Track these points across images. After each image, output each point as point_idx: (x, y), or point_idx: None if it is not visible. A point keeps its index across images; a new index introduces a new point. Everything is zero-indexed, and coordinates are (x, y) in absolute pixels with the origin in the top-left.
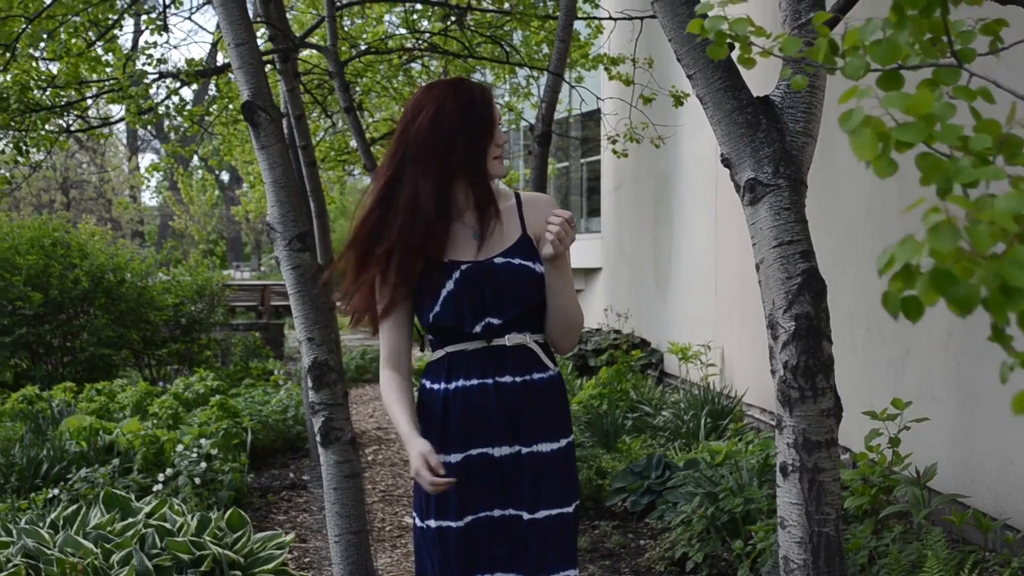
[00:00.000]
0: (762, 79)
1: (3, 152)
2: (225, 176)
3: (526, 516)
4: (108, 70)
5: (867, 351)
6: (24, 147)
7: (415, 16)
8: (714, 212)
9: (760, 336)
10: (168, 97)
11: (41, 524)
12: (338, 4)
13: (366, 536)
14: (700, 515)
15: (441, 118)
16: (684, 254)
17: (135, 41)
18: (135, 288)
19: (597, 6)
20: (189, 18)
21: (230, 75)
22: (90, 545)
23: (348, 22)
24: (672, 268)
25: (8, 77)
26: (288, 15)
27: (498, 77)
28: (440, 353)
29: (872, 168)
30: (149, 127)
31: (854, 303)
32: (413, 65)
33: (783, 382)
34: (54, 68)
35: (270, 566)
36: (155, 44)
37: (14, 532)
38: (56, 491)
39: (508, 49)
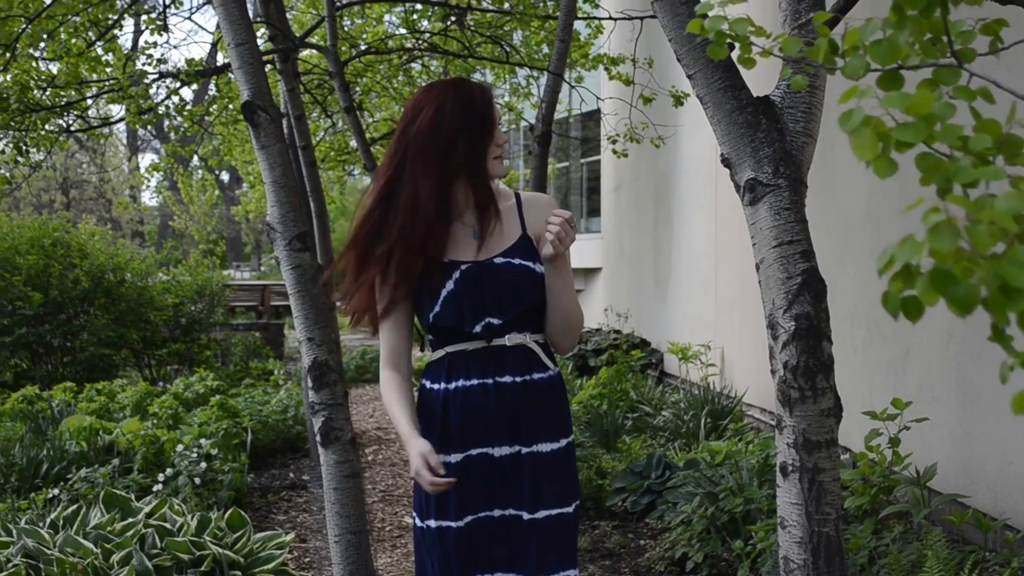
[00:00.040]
0: (762, 79)
1: (3, 152)
2: (225, 176)
3: (526, 516)
4: (108, 70)
5: (867, 351)
6: (24, 147)
7: (415, 16)
8: (714, 212)
9: (760, 336)
10: (168, 97)
11: (41, 524)
12: (338, 4)
13: (366, 536)
14: (700, 515)
15: (441, 118)
16: (684, 254)
17: (135, 41)
18: (135, 288)
19: (597, 6)
20: (189, 18)
21: (230, 75)
22: (90, 545)
23: (348, 22)
24: (672, 268)
25: (8, 77)
26: (288, 15)
27: (498, 77)
28: (440, 353)
29: (872, 168)
30: (149, 127)
31: (854, 303)
32: (413, 65)
33: (783, 382)
34: (54, 68)
35: (270, 566)
36: (155, 44)
37: (14, 532)
38: (56, 491)
39: (508, 49)
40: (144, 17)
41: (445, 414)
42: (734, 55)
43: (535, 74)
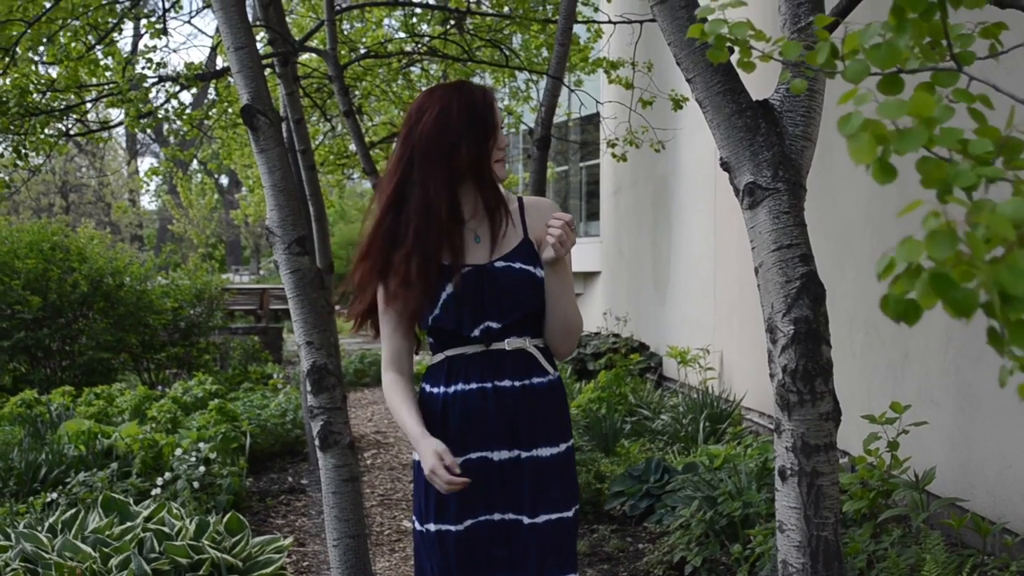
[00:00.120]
0: (761, 83)
1: (2, 156)
2: (224, 180)
3: (526, 520)
4: (107, 74)
5: (866, 355)
6: (23, 151)
7: (414, 20)
8: (713, 216)
9: (759, 340)
10: (167, 101)
11: (39, 528)
12: (338, 8)
13: (365, 540)
14: (699, 519)
15: (445, 118)
16: (683, 258)
17: (134, 45)
18: (134, 292)
19: (597, 10)
20: (188, 22)
21: (229, 79)
22: (88, 549)
23: (347, 26)
24: (671, 272)
25: (8, 81)
26: (288, 19)
27: (497, 81)
28: (440, 357)
29: (872, 174)
30: (148, 131)
31: (853, 307)
32: (412, 69)
33: (782, 386)
34: (53, 72)
35: (269, 570)
36: (154, 48)
37: (12, 536)
38: (54, 495)
39: (507, 53)
40: (144, 21)
41: (444, 418)
42: (733, 59)
43: (534, 78)
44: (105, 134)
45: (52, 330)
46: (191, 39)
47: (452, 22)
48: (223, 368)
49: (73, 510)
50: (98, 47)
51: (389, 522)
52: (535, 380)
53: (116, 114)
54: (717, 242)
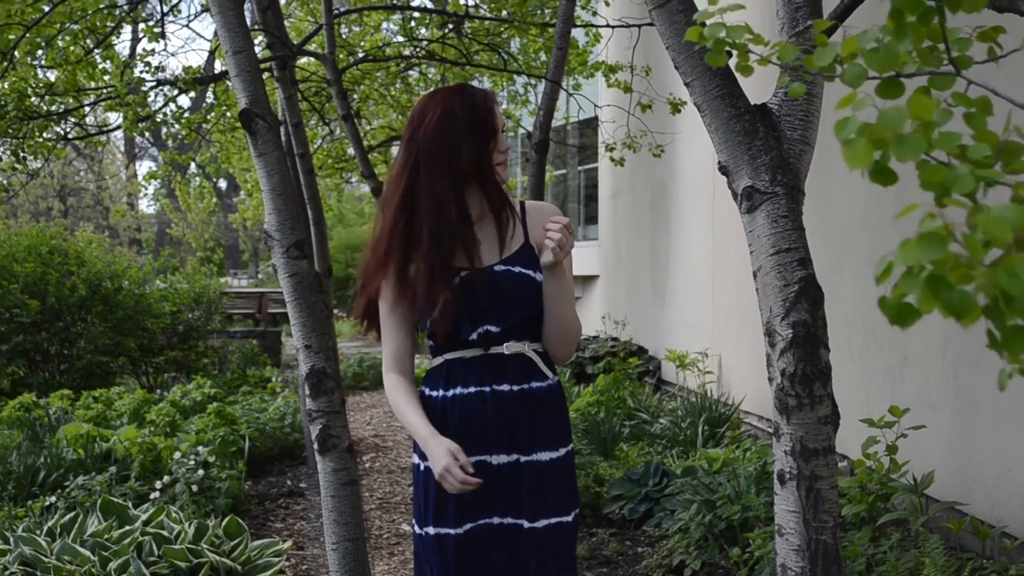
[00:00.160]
0: (760, 87)
1: (1, 160)
2: (223, 183)
3: (526, 525)
4: (106, 78)
5: (864, 358)
6: (22, 154)
7: (413, 24)
8: (711, 220)
9: (757, 343)
10: (166, 104)
11: (38, 532)
12: (336, 11)
13: (363, 543)
14: (698, 522)
15: (447, 120)
16: (682, 262)
17: (133, 49)
18: (132, 296)
19: (595, 14)
20: (187, 26)
21: (228, 83)
22: (87, 553)
23: (346, 30)
24: (670, 276)
25: (6, 84)
26: (286, 23)
27: (496, 84)
28: (439, 360)
29: (868, 177)
30: (146, 135)
31: (851, 310)
32: (411, 73)
33: (780, 390)
34: (52, 76)
35: (267, 574)
36: (153, 52)
37: (11, 540)
38: (53, 499)
39: (506, 57)
40: (142, 25)
41: (443, 422)
42: (732, 63)
43: (533, 81)
44: (103, 138)
45: (50, 334)
46: (189, 43)
47: (450, 26)
48: (222, 372)
49: (72, 514)
50: (96, 51)
51: (388, 526)
52: (534, 384)
53: (114, 118)
54: (715, 246)
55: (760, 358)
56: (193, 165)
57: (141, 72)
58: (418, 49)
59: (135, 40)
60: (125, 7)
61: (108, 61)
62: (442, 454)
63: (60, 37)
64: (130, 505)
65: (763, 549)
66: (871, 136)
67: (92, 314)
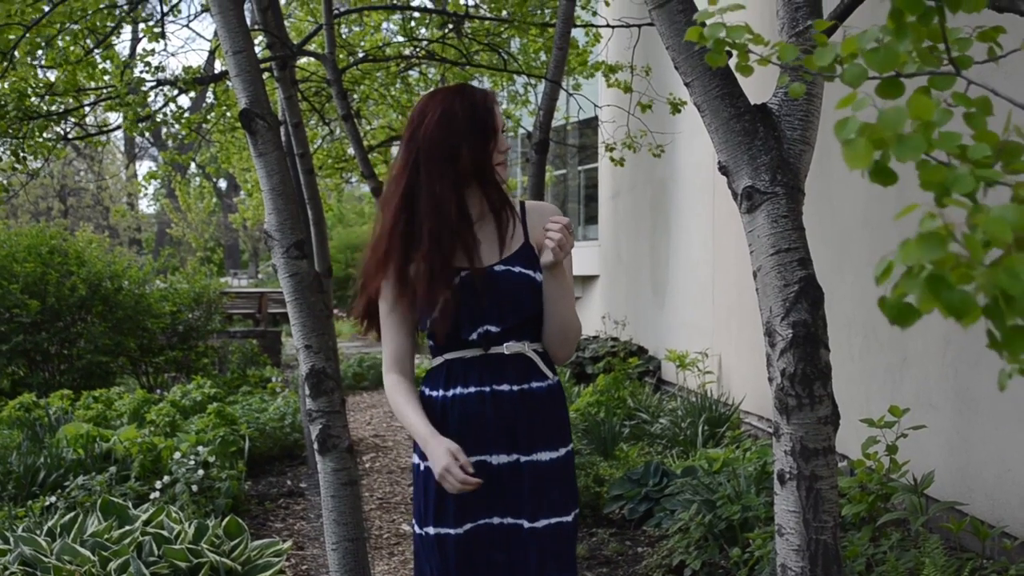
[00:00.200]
0: (760, 87)
1: (1, 160)
2: (223, 183)
3: (526, 525)
4: (106, 78)
5: (864, 358)
6: (22, 154)
7: (413, 24)
8: (711, 220)
9: (757, 343)
10: (166, 104)
11: (38, 532)
12: (336, 12)
13: (363, 544)
14: (698, 523)
15: (448, 120)
16: (682, 262)
17: (133, 49)
18: (132, 296)
19: (595, 14)
20: (187, 26)
21: (228, 83)
22: (87, 553)
23: (346, 30)
24: (670, 276)
25: (6, 85)
26: (286, 23)
27: (496, 85)
28: (439, 360)
29: (868, 177)
30: (146, 135)
31: (851, 310)
32: (411, 73)
33: (780, 390)
34: (52, 76)
35: (267, 574)
36: (153, 52)
37: (11, 540)
38: (53, 499)
39: (506, 57)
40: (142, 25)
41: (443, 422)
42: (732, 63)
43: (533, 81)
44: (103, 138)
45: (50, 334)
46: (189, 43)
47: (450, 26)
48: (222, 372)
49: (72, 514)
50: (96, 51)
51: (388, 526)
52: (534, 384)
53: (114, 118)
54: (715, 246)
55: (760, 358)
56: (193, 165)
57: (141, 72)
58: (418, 49)
59: (135, 40)
60: (125, 7)
61: (108, 61)
62: (442, 454)
63: (60, 37)
64: (130, 505)
65: (763, 549)
66: (871, 136)
67: (92, 314)
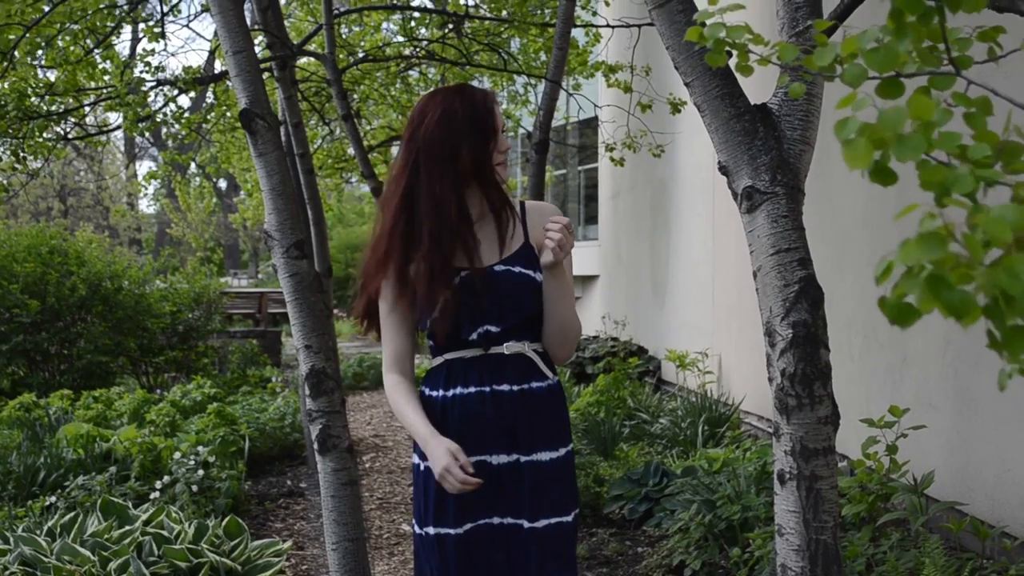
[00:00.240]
0: (760, 87)
1: (1, 160)
2: (223, 183)
3: (526, 525)
4: (106, 78)
5: (864, 358)
6: (22, 154)
7: (413, 24)
8: (711, 220)
9: (757, 344)
10: (166, 104)
11: (38, 532)
12: (336, 12)
13: (363, 543)
14: (698, 522)
15: (448, 120)
16: (682, 262)
17: (133, 49)
18: (132, 296)
19: (595, 14)
20: (187, 26)
21: (228, 83)
22: (87, 553)
23: (346, 30)
24: (670, 276)
25: (6, 84)
26: (286, 23)
27: (496, 85)
28: (439, 360)
29: (868, 177)
30: (146, 135)
31: (851, 310)
32: (411, 73)
33: (780, 390)
34: (52, 76)
35: (267, 574)
36: (153, 52)
37: (11, 540)
38: (53, 499)
39: (506, 57)
40: (142, 25)
41: (443, 422)
42: (732, 63)
43: (533, 82)
44: (103, 138)
45: (50, 334)
46: (189, 43)
47: (450, 26)
48: (222, 372)
49: (72, 514)
50: (96, 51)
51: (388, 526)
52: (534, 384)
53: (114, 118)
54: (715, 246)
55: (760, 358)
56: (193, 165)
57: (141, 72)
58: (418, 49)
59: (135, 40)
60: (125, 7)
61: (108, 61)
62: (442, 454)
63: (60, 37)
64: (130, 505)
65: (763, 549)
66: (871, 136)
67: (92, 314)
